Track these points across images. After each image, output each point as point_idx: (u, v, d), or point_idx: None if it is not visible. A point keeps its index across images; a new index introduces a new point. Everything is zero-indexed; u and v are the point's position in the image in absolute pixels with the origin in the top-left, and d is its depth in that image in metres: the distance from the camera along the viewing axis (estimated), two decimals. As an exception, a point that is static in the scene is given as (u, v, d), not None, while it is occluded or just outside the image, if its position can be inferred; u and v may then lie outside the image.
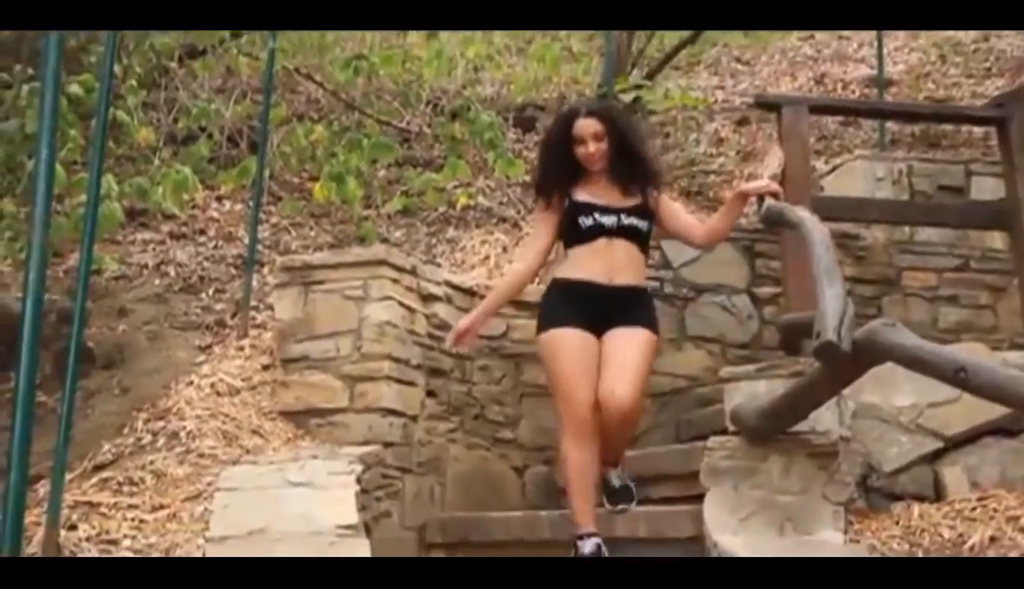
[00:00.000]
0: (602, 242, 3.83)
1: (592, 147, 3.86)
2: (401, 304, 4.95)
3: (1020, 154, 5.31)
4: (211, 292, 5.88)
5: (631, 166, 3.90)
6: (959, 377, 2.98)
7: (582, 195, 3.90)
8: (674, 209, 4.09)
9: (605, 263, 3.82)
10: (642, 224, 3.89)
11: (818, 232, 3.97)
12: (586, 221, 3.84)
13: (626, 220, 3.86)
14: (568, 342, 3.77)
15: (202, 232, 6.58)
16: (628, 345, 3.77)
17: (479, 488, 5.32)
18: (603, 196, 3.90)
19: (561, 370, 3.76)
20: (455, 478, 5.23)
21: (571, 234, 3.90)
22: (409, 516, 4.84)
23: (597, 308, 3.79)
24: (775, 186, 3.94)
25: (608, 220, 3.84)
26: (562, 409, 3.77)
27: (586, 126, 3.87)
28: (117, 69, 6.31)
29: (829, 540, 4.02)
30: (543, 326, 3.85)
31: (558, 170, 3.93)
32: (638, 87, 8.07)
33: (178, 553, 3.54)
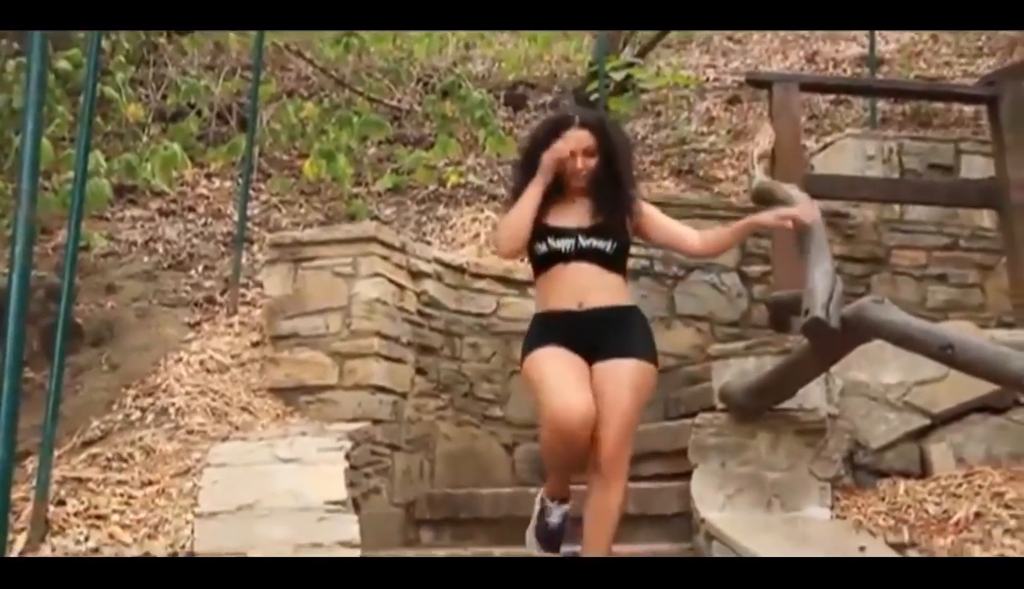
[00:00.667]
0: (558, 269, 3.48)
1: (580, 163, 3.50)
2: (391, 281, 4.94)
3: (1010, 133, 5.32)
4: (200, 269, 5.87)
5: (612, 189, 3.53)
6: (946, 354, 3.00)
7: (547, 215, 3.53)
8: (661, 221, 3.66)
9: (569, 289, 3.46)
10: (604, 244, 3.49)
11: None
12: (540, 248, 3.51)
13: (584, 241, 3.47)
14: (553, 353, 3.40)
15: (191, 209, 6.56)
16: (612, 397, 3.33)
17: (468, 465, 5.33)
18: (565, 215, 3.54)
19: (548, 374, 3.34)
20: (444, 455, 5.24)
21: (532, 262, 3.60)
22: (398, 493, 4.85)
23: (576, 335, 3.41)
24: (797, 216, 3.60)
25: (563, 244, 3.48)
26: (543, 408, 3.31)
27: (578, 138, 3.51)
28: (105, 44, 6.29)
29: (815, 516, 4.05)
30: (525, 352, 3.48)
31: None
32: (630, 65, 8.06)
33: (167, 529, 3.55)
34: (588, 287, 3.45)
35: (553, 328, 3.44)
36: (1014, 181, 5.23)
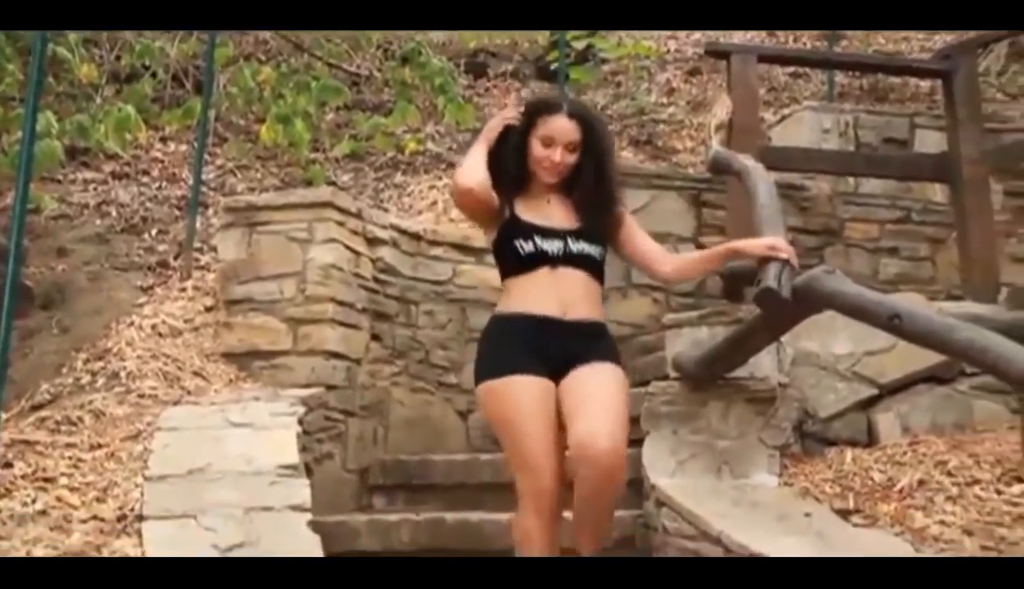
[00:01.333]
0: (543, 272, 3.13)
1: (559, 156, 3.17)
2: (346, 247, 4.92)
3: (963, 107, 5.37)
4: (154, 233, 5.81)
5: (594, 189, 3.21)
6: (894, 324, 3.03)
7: (522, 209, 3.19)
8: (637, 236, 3.34)
9: (554, 295, 3.12)
10: (593, 249, 3.20)
11: (762, 181, 4.02)
12: (525, 246, 3.13)
13: (575, 245, 3.16)
14: (524, 393, 3.03)
15: (145, 172, 6.49)
16: (600, 385, 3.05)
17: (423, 432, 5.35)
18: (546, 213, 3.21)
19: (518, 431, 3.02)
20: (399, 422, 5.25)
21: (507, 260, 3.19)
22: (352, 458, 4.86)
23: (552, 347, 3.08)
24: (779, 250, 3.26)
25: (551, 246, 3.14)
26: (520, 479, 3.05)
27: (563, 130, 3.17)
28: (57, 3, 6.16)
29: (763, 483, 4.10)
30: (487, 373, 3.10)
31: (514, 164, 3.20)
32: (591, 35, 8.04)
33: (116, 492, 3.53)
34: (575, 296, 3.13)
35: (526, 334, 3.09)
36: (966, 156, 5.29)
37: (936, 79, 6.06)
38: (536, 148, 3.17)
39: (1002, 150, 5.83)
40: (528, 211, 3.19)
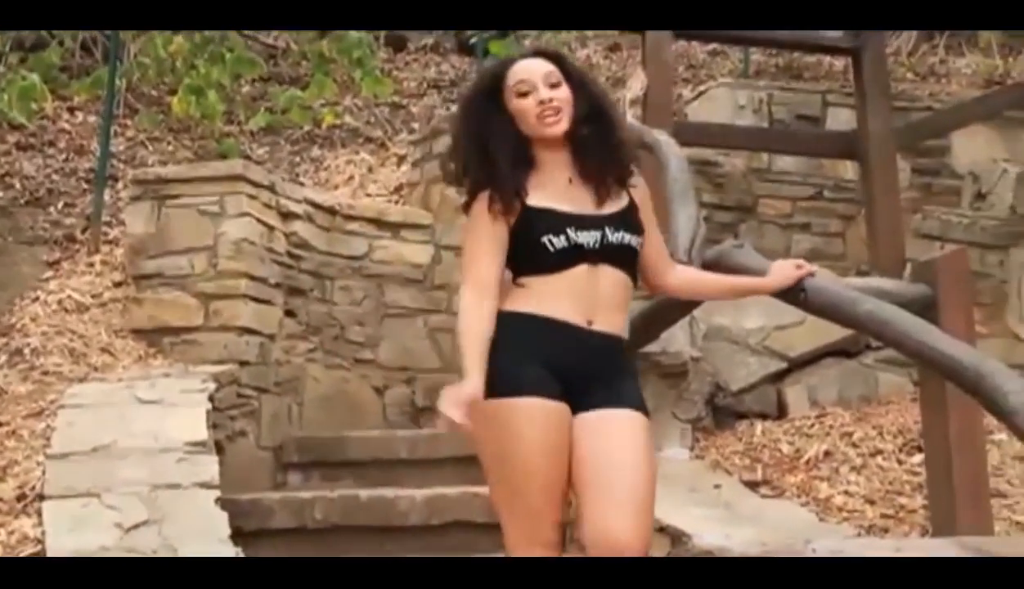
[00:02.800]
0: (580, 271, 2.45)
1: (544, 93, 2.46)
2: (259, 221, 4.85)
3: (872, 85, 5.47)
4: (60, 206, 5.67)
5: (605, 142, 2.52)
6: (800, 297, 3.08)
7: (539, 196, 2.48)
8: (651, 227, 2.62)
9: (584, 297, 2.45)
10: (634, 239, 2.52)
11: (674, 155, 4.04)
12: (555, 241, 2.43)
13: (613, 235, 2.48)
14: (530, 423, 2.37)
15: (51, 144, 6.31)
16: (629, 453, 2.37)
17: (339, 409, 5.30)
18: (571, 197, 2.50)
19: (518, 471, 2.37)
20: (314, 399, 5.20)
21: (531, 260, 2.47)
22: (265, 436, 4.80)
23: (571, 362, 2.43)
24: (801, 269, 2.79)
25: (588, 238, 2.46)
26: (511, 526, 2.43)
27: (531, 68, 2.50)
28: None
29: (675, 456, 4.16)
30: (491, 389, 2.36)
31: (505, 150, 2.48)
32: (510, 9, 8.00)
33: (16, 471, 3.44)
34: (607, 301, 2.47)
35: (542, 345, 2.43)
36: (873, 133, 5.39)
37: (846, 57, 6.15)
38: (516, 105, 2.48)
39: (909, 128, 5.96)
40: (548, 196, 2.48)
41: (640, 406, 2.47)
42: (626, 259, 2.51)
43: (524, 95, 2.47)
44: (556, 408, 2.39)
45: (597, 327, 2.45)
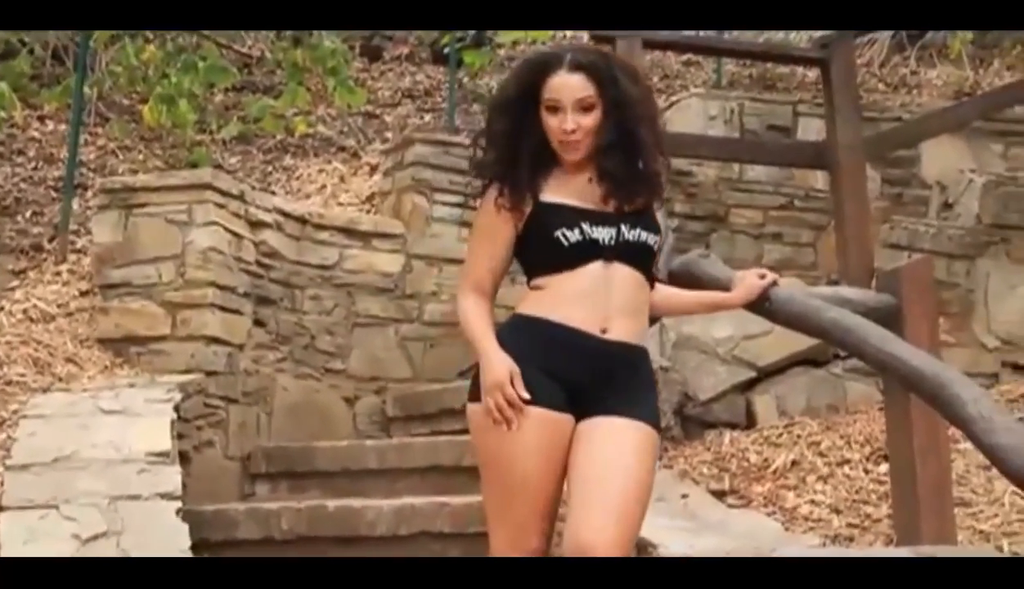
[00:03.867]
0: (595, 269, 2.39)
1: (570, 123, 2.40)
2: (227, 230, 4.83)
3: (840, 95, 5.49)
4: (28, 215, 5.62)
5: (630, 170, 2.44)
6: (765, 306, 3.09)
7: (553, 191, 2.45)
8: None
9: (599, 301, 2.39)
10: (651, 238, 2.47)
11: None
12: (569, 236, 2.38)
13: (630, 232, 2.43)
14: (533, 433, 2.33)
15: (20, 152, 6.26)
16: (619, 461, 2.32)
17: (308, 419, 5.27)
18: (589, 194, 2.45)
19: (510, 479, 2.35)
20: (283, 409, 5.17)
21: (543, 255, 2.41)
22: (233, 446, 4.77)
23: (579, 372, 2.37)
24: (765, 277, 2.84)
25: (603, 233, 2.40)
26: (496, 532, 2.41)
27: (566, 86, 2.40)
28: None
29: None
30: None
31: (529, 148, 2.45)
32: (485, 19, 8.00)
33: (-26, 481, 3.40)
34: (621, 305, 2.40)
35: (552, 349, 2.36)
36: (842, 143, 5.41)
37: (815, 67, 6.18)
38: (545, 117, 2.43)
39: (879, 138, 5.99)
40: (563, 193, 2.44)
41: (650, 420, 2.40)
42: (643, 258, 2.45)
43: (553, 111, 2.42)
44: (556, 418, 2.35)
45: (612, 336, 2.38)
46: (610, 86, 2.41)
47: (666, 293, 2.75)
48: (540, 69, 2.44)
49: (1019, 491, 3.33)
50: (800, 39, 8.73)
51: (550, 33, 9.04)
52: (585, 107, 2.39)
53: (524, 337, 2.38)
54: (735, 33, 8.41)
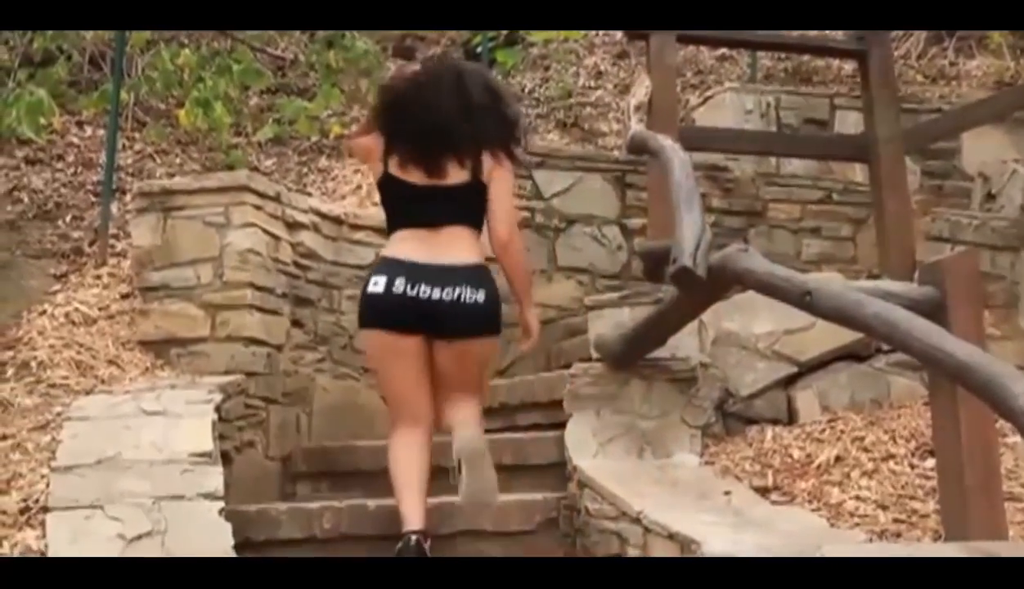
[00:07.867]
0: None
1: None
2: (265, 231, 4.84)
3: (879, 87, 5.43)
4: (68, 219, 5.67)
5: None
6: (805, 300, 3.05)
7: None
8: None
9: None
10: None
11: (678, 160, 4.00)
12: None
13: None
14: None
15: (60, 158, 6.31)
16: None
17: (347, 419, 5.28)
18: None
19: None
20: (323, 409, 5.18)
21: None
22: (274, 446, 4.79)
23: None
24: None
25: None
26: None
27: None
28: (-37, -17, 5.99)
29: (685, 462, 4.12)
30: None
31: None
32: (518, 17, 7.98)
33: (21, 483, 3.43)
34: None
35: None
36: (881, 135, 5.35)
37: (852, 60, 6.11)
38: None
39: (918, 130, 5.92)
40: None
41: None
42: None
43: None
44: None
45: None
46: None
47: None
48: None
49: (1070, 485, 3.28)
50: (836, 31, 8.67)
51: (582, 32, 9.04)
52: None
53: None
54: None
